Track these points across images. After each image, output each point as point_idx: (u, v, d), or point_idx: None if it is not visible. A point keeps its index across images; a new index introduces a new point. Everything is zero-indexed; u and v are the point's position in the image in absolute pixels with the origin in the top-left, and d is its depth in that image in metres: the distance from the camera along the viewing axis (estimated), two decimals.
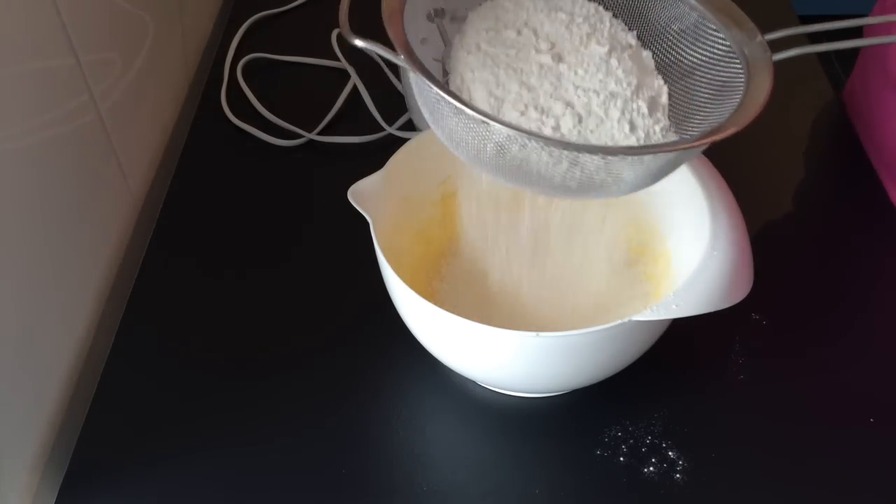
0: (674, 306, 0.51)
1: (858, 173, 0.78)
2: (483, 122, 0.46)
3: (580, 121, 0.49)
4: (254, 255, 0.74)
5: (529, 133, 0.47)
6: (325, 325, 0.68)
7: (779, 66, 0.53)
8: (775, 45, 0.52)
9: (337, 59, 0.92)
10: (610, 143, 0.49)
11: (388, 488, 0.58)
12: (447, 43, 0.55)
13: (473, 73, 0.51)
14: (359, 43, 0.48)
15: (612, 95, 0.50)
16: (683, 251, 0.60)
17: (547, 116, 0.49)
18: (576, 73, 0.51)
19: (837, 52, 0.57)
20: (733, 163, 0.62)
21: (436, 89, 0.46)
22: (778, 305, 0.67)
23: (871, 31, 0.81)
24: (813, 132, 0.83)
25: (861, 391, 0.62)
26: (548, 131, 0.48)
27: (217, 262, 0.73)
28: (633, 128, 0.50)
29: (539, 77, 0.50)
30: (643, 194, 0.55)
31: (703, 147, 0.49)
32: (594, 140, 0.49)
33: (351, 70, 0.89)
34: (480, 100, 0.50)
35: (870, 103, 0.80)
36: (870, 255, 0.72)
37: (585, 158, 0.47)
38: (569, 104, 0.49)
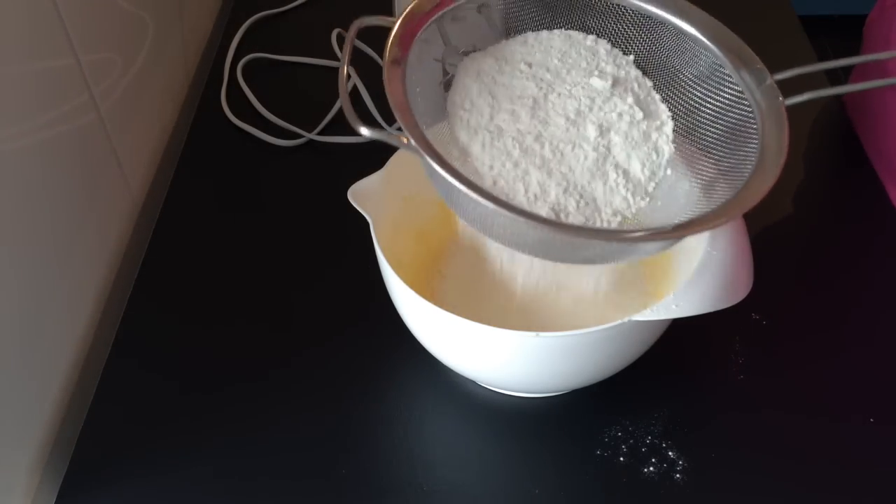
0: (674, 306, 0.51)
1: (858, 173, 0.78)
2: (518, 219, 0.47)
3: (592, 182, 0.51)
4: (253, 254, 0.74)
5: (538, 219, 0.48)
6: (325, 326, 0.68)
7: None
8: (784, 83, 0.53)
9: (337, 59, 0.92)
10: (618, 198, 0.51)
11: (388, 488, 0.58)
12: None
13: (475, 148, 0.51)
14: (365, 133, 0.48)
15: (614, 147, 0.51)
16: (683, 251, 0.60)
17: (563, 193, 0.50)
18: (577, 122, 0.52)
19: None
20: None
21: (453, 181, 0.47)
22: (778, 305, 0.67)
23: (871, 30, 0.81)
24: (813, 132, 0.83)
25: (861, 391, 0.62)
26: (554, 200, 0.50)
27: (216, 262, 0.73)
28: (643, 170, 0.52)
29: (543, 142, 0.51)
30: None
31: (716, 226, 0.49)
32: (609, 194, 0.51)
33: (351, 70, 0.89)
34: (486, 175, 0.50)
35: (870, 103, 0.80)
36: (870, 255, 0.72)
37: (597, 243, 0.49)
38: (574, 184, 0.51)
